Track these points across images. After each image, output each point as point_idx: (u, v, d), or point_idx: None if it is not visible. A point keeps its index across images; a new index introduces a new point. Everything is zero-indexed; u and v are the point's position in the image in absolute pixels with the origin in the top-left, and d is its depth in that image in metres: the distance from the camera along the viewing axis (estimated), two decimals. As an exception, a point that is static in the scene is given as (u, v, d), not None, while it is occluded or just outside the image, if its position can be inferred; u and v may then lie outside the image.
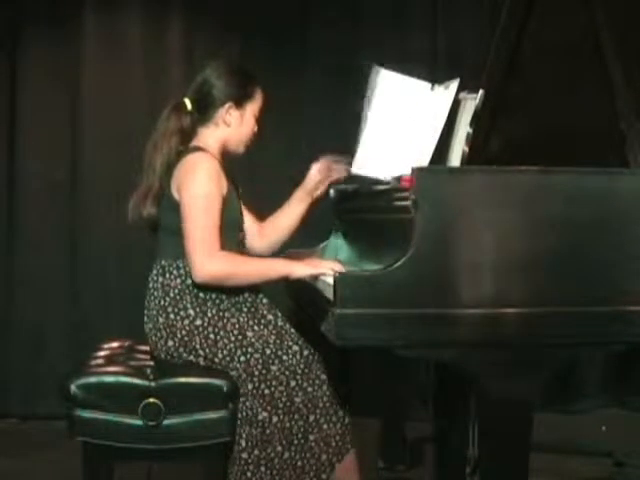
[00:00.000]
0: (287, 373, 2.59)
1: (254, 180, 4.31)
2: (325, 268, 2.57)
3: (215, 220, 2.59)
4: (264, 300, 2.72)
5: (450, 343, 2.21)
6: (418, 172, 2.23)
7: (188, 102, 2.75)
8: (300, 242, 3.17)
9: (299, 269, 2.61)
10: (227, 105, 2.72)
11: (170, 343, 2.63)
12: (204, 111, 2.74)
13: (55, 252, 4.39)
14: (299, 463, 2.57)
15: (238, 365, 2.59)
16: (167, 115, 2.74)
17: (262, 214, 3.01)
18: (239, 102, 2.74)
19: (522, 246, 2.23)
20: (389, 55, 4.42)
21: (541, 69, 2.86)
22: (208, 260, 2.57)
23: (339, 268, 2.56)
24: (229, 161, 2.83)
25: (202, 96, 2.74)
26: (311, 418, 2.59)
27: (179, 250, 2.61)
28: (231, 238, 2.70)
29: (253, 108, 2.77)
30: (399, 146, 2.89)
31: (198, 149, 2.69)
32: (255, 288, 2.70)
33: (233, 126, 2.74)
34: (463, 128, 2.82)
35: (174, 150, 2.68)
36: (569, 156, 2.44)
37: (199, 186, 2.59)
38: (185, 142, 2.73)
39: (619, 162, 2.47)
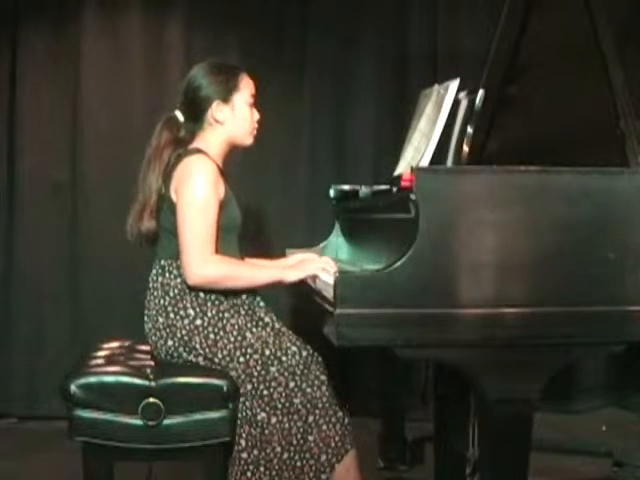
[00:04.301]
0: (286, 374, 2.59)
1: (253, 180, 4.32)
2: (316, 270, 2.61)
3: (210, 224, 2.59)
4: (261, 303, 2.73)
5: (450, 343, 2.21)
6: (418, 172, 2.23)
7: (179, 114, 2.77)
8: (300, 242, 3.17)
9: (290, 275, 2.65)
10: (214, 103, 2.72)
11: (170, 343, 2.63)
12: (196, 116, 2.74)
13: (55, 252, 4.38)
14: (298, 464, 2.57)
15: (237, 366, 2.59)
16: (159, 130, 2.75)
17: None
18: (225, 97, 2.74)
19: (522, 246, 2.23)
20: (389, 55, 4.43)
21: (541, 69, 2.87)
22: (201, 263, 2.57)
23: (330, 267, 2.58)
24: (230, 164, 2.84)
25: (189, 102, 2.75)
26: (310, 419, 2.59)
27: (178, 250, 2.62)
28: (231, 241, 2.71)
29: (243, 97, 2.77)
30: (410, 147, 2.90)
31: (198, 151, 2.69)
32: (252, 290, 2.70)
33: (227, 122, 2.74)
34: (462, 128, 2.82)
35: (171, 160, 2.69)
36: (569, 156, 2.45)
37: (195, 190, 2.60)
38: (183, 147, 2.73)
39: (619, 162, 2.47)
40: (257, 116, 2.82)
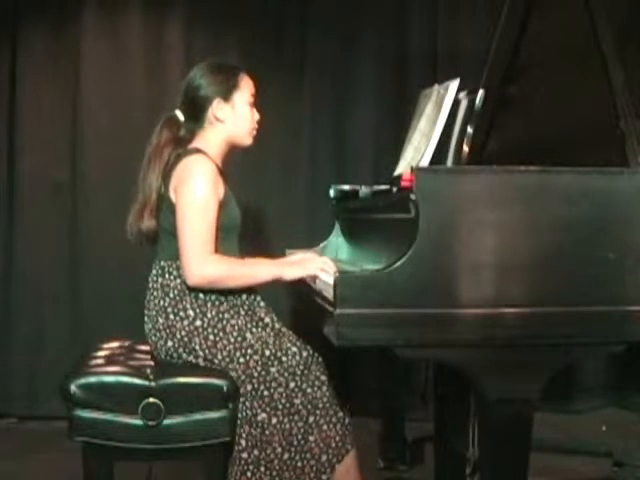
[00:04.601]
0: (286, 375, 2.59)
1: (253, 180, 4.32)
2: (316, 269, 2.60)
3: (209, 224, 2.59)
4: (261, 303, 2.73)
5: (450, 343, 2.21)
6: (418, 172, 2.23)
7: (179, 113, 2.77)
8: (300, 242, 3.17)
9: (289, 272, 2.64)
10: (215, 101, 2.72)
11: (170, 344, 2.63)
12: (196, 115, 2.74)
13: (55, 252, 4.38)
14: (299, 464, 2.57)
15: (237, 366, 2.59)
16: (159, 129, 2.75)
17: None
18: (226, 95, 2.73)
19: (522, 246, 2.23)
20: (389, 55, 4.43)
21: (541, 69, 2.87)
22: (200, 263, 2.57)
23: (330, 267, 2.57)
24: (230, 164, 2.84)
25: (190, 102, 2.75)
26: (311, 419, 2.59)
27: (178, 251, 2.61)
28: (231, 241, 2.71)
29: (243, 96, 2.76)
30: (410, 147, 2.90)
31: (197, 151, 2.69)
32: (252, 291, 2.70)
33: (227, 120, 2.74)
34: (462, 128, 2.82)
35: (171, 159, 2.69)
36: (569, 156, 2.45)
37: (194, 190, 2.59)
38: (183, 147, 2.73)
39: (619, 162, 2.47)
40: (257, 116, 2.82)
